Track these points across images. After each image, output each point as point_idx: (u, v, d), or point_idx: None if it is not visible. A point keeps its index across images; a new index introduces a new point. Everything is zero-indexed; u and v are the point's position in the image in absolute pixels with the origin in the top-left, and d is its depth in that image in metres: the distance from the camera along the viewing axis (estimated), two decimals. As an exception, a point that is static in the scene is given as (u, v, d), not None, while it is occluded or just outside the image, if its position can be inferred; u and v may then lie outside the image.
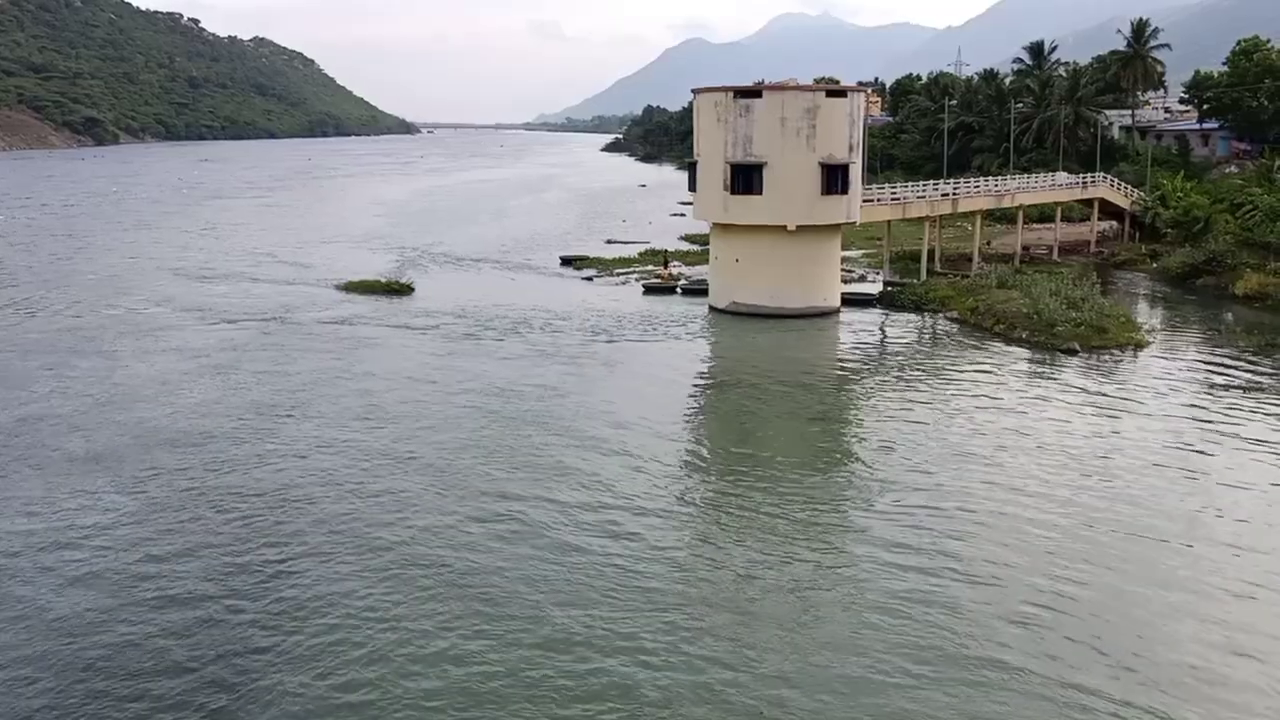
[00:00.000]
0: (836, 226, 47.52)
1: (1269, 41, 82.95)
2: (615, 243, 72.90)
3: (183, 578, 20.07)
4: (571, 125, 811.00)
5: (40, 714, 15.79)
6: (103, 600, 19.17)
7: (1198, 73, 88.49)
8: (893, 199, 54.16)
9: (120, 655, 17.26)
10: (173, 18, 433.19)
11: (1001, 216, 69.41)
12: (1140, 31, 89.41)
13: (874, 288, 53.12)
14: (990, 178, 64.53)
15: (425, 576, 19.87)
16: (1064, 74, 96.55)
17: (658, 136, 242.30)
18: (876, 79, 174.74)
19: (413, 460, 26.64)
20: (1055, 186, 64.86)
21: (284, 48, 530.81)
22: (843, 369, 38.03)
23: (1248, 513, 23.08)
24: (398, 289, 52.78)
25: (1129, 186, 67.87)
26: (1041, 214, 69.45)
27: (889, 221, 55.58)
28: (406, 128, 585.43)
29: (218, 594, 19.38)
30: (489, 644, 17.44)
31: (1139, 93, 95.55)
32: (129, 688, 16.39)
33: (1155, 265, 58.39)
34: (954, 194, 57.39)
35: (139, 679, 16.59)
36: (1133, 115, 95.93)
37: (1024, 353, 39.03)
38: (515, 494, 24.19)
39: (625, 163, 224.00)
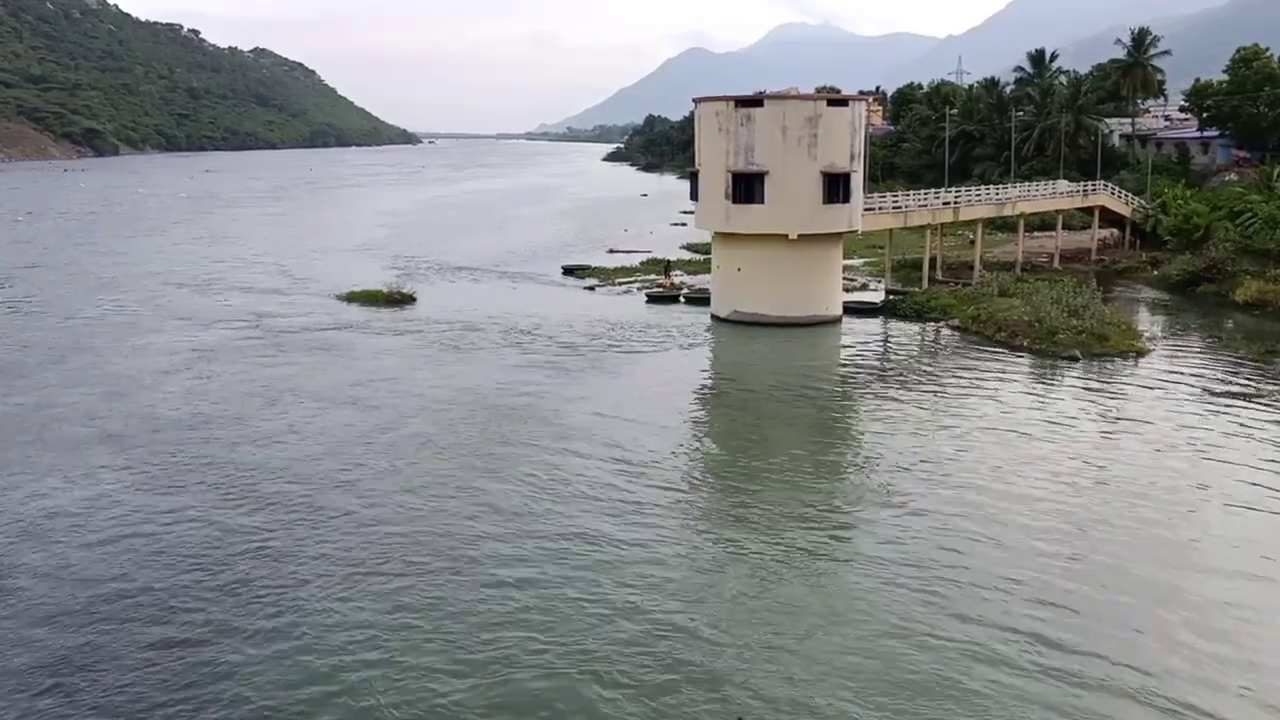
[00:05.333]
0: (838, 235, 47.65)
1: (1268, 50, 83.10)
2: (617, 252, 73.04)
3: (180, 551, 21.22)
4: (573, 135, 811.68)
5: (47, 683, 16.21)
6: (103, 567, 20.20)
7: (1198, 81, 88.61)
8: (894, 207, 54.25)
9: (117, 618, 18.21)
10: (173, 29, 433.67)
11: (1003, 225, 69.57)
12: (1140, 40, 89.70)
13: (876, 296, 53.19)
14: (991, 186, 64.64)
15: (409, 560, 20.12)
16: (1064, 82, 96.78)
17: (659, 146, 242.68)
18: (878, 88, 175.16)
19: (406, 464, 26.93)
20: (1056, 194, 64.99)
21: (285, 59, 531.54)
22: (845, 378, 38.16)
23: (1247, 518, 23.12)
24: (400, 298, 52.83)
25: (1129, 194, 67.98)
26: (1043, 222, 69.62)
27: (890, 230, 55.67)
28: (408, 138, 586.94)
29: (214, 570, 20.11)
30: (483, 642, 17.55)
31: (1139, 101, 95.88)
32: (121, 652, 17.37)
33: (1156, 273, 58.48)
34: (955, 202, 57.53)
35: (131, 652, 17.38)
36: (1133, 123, 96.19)
37: (1026, 360, 39.12)
38: (507, 499, 24.28)
39: (627, 172, 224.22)
